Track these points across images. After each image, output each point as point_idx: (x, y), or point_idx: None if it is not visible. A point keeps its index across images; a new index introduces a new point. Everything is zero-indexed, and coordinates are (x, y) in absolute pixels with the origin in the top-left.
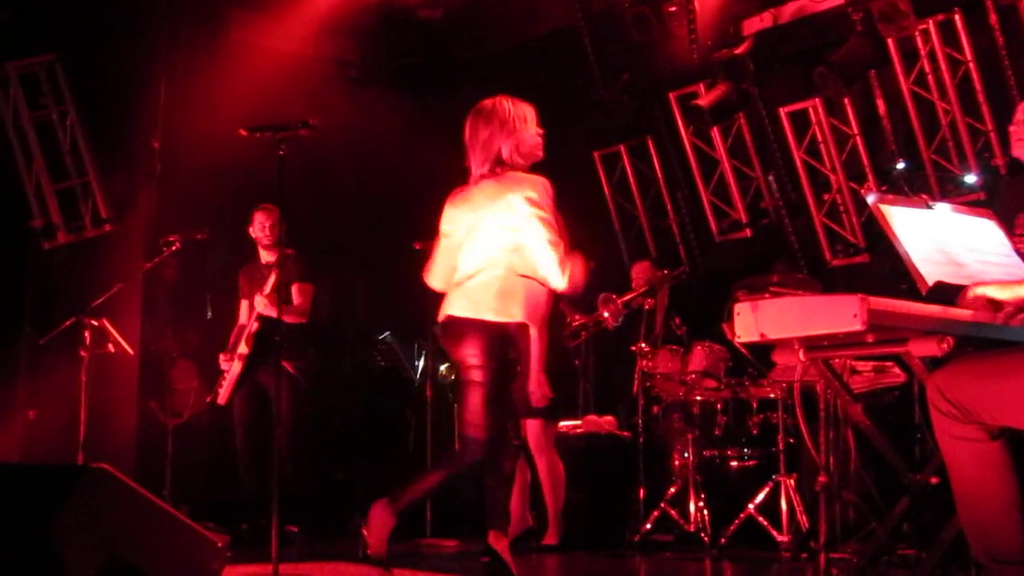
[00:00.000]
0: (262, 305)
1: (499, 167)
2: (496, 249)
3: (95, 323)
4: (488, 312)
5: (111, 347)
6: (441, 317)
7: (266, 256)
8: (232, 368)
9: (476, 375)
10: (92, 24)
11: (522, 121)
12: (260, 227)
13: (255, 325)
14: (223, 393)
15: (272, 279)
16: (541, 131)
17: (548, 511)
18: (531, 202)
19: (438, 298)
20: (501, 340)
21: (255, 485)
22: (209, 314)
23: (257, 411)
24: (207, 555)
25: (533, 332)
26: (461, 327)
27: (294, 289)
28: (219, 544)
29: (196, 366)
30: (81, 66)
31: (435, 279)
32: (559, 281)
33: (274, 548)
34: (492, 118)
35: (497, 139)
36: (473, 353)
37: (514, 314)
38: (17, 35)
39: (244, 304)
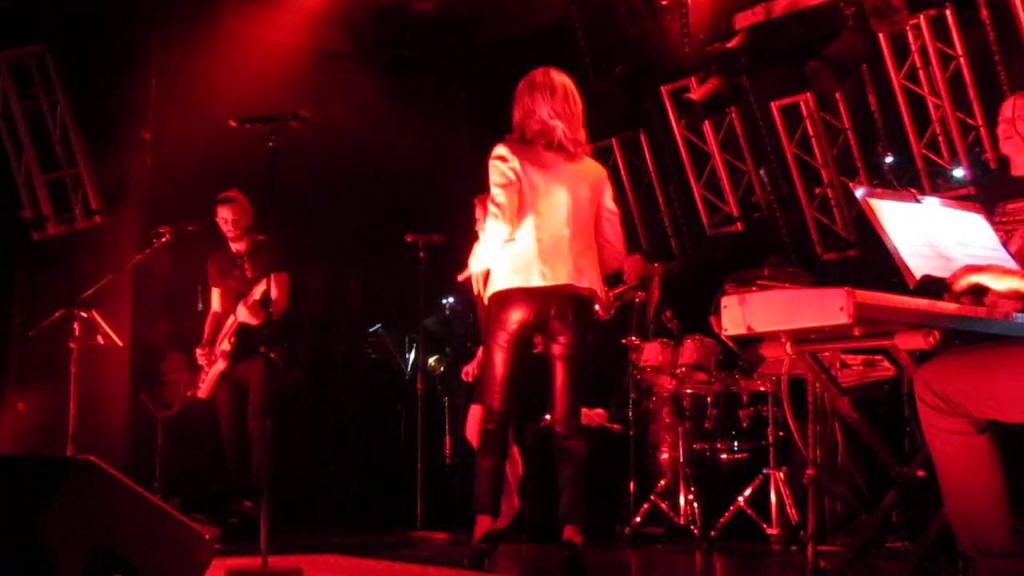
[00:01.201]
0: (244, 315)
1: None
2: None
3: (85, 315)
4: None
5: (101, 339)
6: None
7: (236, 245)
8: (216, 365)
9: (577, 351)
10: (83, 14)
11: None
12: (223, 221)
13: (236, 321)
14: (204, 387)
15: (258, 291)
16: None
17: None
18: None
19: (430, 291)
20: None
21: (243, 476)
22: (200, 306)
23: (240, 402)
24: (196, 547)
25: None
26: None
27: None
28: (208, 536)
29: (186, 358)
30: (72, 56)
31: None
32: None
33: (263, 540)
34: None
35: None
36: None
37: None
38: (8, 25)
39: (215, 292)
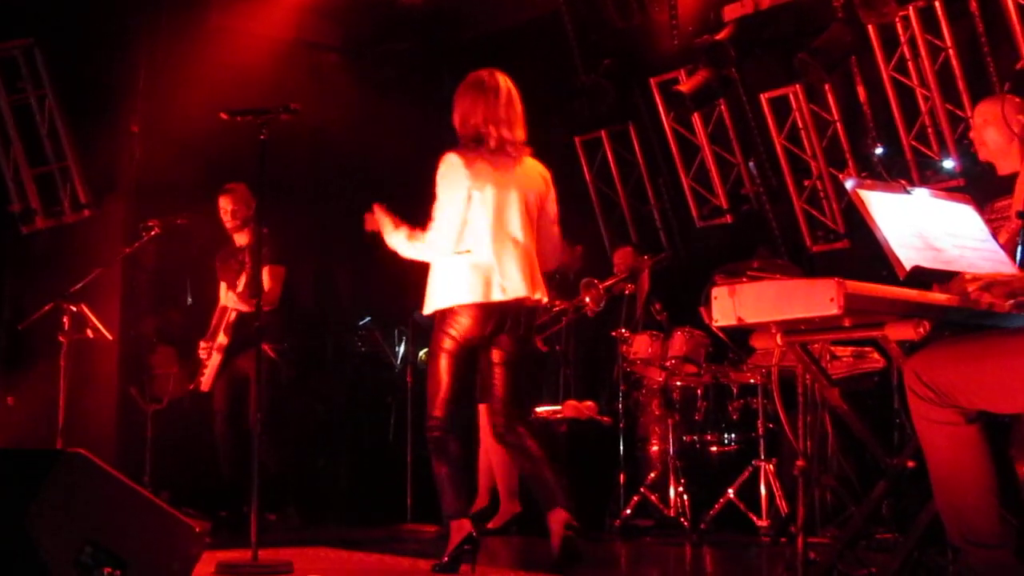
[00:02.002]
0: (232, 301)
1: None
2: None
3: (74, 308)
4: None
5: (90, 333)
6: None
7: (239, 239)
8: (213, 359)
9: (520, 357)
10: (71, 8)
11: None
12: (223, 212)
13: (233, 314)
14: (205, 381)
15: (243, 278)
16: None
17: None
18: None
19: (420, 285)
20: None
21: (235, 472)
22: (189, 300)
23: (236, 398)
24: (186, 541)
25: None
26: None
27: (265, 272)
28: (198, 530)
29: (176, 352)
30: (60, 50)
31: None
32: None
33: (253, 534)
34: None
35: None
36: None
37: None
38: None
39: (223, 286)
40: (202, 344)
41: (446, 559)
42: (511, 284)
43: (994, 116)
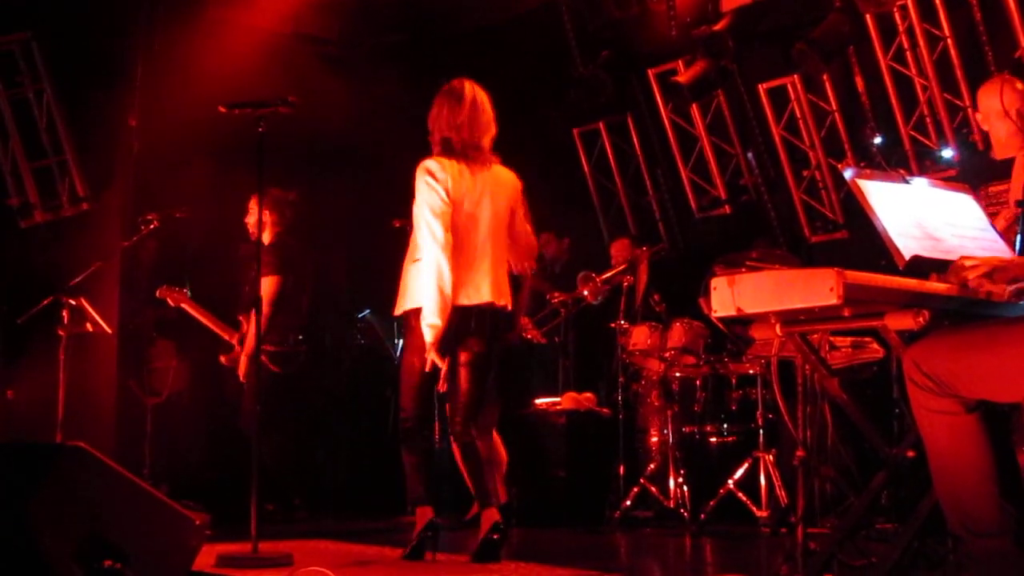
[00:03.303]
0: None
1: None
2: None
3: (73, 302)
4: None
5: (89, 326)
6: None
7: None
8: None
9: (484, 360)
10: (68, 1)
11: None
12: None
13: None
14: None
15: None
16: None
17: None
18: None
19: None
20: None
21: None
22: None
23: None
24: (186, 533)
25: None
26: None
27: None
28: (198, 522)
29: (175, 345)
30: (57, 44)
31: None
32: None
33: (253, 526)
34: None
35: None
36: None
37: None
38: None
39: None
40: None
41: (409, 548)
42: (477, 291)
43: (993, 100)
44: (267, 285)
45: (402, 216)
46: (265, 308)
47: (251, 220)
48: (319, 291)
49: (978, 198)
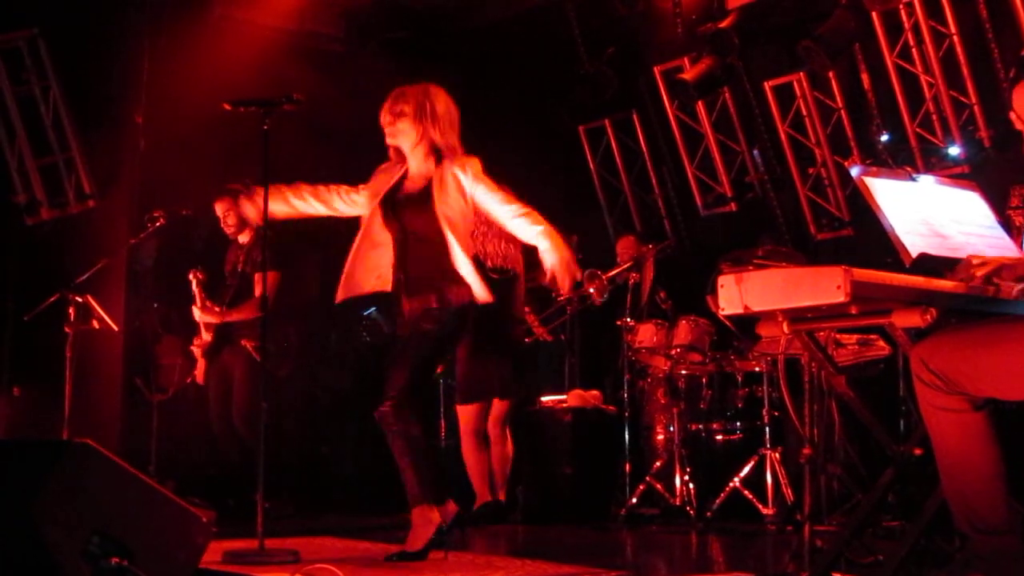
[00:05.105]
0: (198, 315)
1: None
2: None
3: (79, 299)
4: None
5: (95, 323)
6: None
7: (242, 237)
8: (198, 355)
9: None
10: None
11: None
12: (222, 220)
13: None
14: (199, 374)
15: (197, 291)
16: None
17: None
18: None
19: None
20: None
21: (237, 461)
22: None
23: (226, 396)
24: (192, 530)
25: None
26: None
27: (256, 278)
28: (204, 519)
29: (181, 342)
30: (64, 41)
31: None
32: None
33: (259, 523)
34: None
35: None
36: None
37: None
38: None
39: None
40: (195, 340)
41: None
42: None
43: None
44: (270, 280)
45: None
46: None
47: (223, 225)
48: (323, 288)
49: (1010, 200)
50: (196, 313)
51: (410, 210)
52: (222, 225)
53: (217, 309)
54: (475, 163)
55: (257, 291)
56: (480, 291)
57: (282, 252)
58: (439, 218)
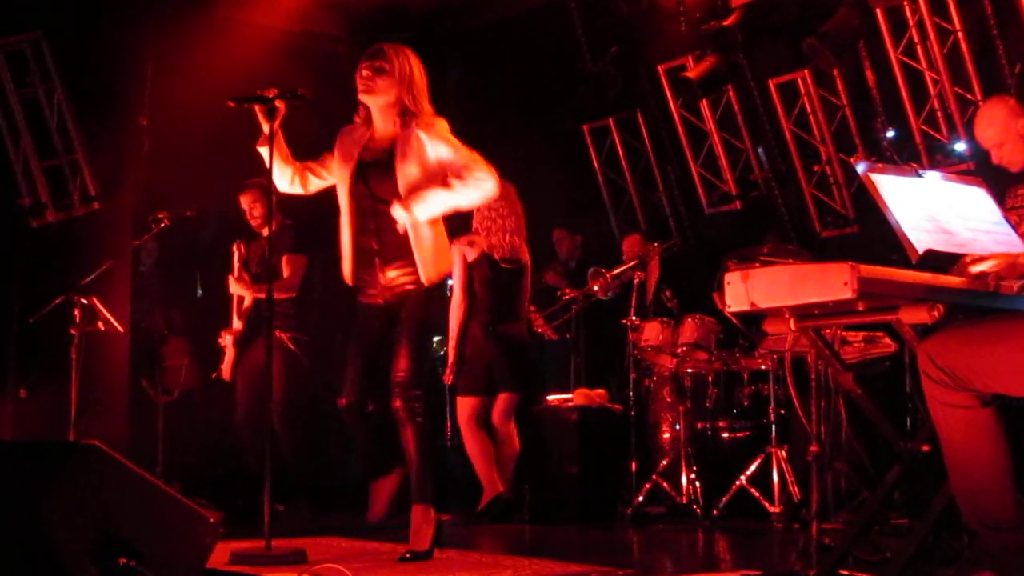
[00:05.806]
0: (233, 286)
1: None
2: None
3: (85, 301)
4: None
5: (101, 325)
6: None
7: (265, 231)
8: (228, 345)
9: None
10: (78, 0)
11: None
12: (248, 213)
13: (248, 301)
14: (226, 369)
15: (237, 262)
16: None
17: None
18: None
19: None
20: None
21: (257, 462)
22: (199, 291)
23: (256, 388)
24: (200, 530)
25: None
26: None
27: (284, 261)
28: (212, 520)
29: (187, 343)
30: (68, 43)
31: None
32: None
33: (266, 523)
34: None
35: None
36: None
37: None
38: (2, 12)
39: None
40: (223, 333)
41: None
42: None
43: (998, 124)
44: (295, 264)
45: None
46: (291, 285)
47: (250, 217)
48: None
49: (1007, 196)
50: (231, 284)
51: (376, 174)
52: (247, 218)
53: (247, 277)
54: (441, 123)
55: (285, 274)
56: (427, 271)
57: (308, 238)
58: (397, 183)
